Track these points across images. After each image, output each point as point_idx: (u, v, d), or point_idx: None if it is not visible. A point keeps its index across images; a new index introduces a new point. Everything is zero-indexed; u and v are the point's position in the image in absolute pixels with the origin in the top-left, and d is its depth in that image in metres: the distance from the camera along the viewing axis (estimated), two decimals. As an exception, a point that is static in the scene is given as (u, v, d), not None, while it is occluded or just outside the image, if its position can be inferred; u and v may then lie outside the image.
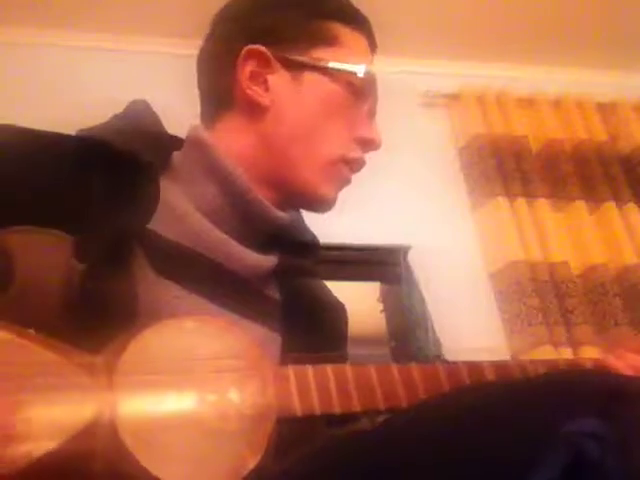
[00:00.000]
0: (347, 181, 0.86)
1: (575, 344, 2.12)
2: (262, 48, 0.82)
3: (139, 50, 2.36)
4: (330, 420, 0.75)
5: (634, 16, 2.47)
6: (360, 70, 0.83)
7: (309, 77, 0.82)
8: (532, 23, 2.49)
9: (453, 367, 0.67)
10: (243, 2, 0.89)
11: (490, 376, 0.68)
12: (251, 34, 0.83)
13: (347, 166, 0.84)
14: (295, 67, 0.82)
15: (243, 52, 0.82)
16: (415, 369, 0.66)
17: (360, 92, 0.84)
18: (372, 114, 0.86)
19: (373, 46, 0.89)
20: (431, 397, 0.65)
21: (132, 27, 2.35)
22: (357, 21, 0.87)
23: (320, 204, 0.85)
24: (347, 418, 0.73)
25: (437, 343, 2.00)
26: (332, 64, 0.82)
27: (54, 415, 0.53)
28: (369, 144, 0.85)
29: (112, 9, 2.29)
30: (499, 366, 0.69)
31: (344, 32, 0.85)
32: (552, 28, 2.51)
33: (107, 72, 2.29)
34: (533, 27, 2.51)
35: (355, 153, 0.84)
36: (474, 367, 0.68)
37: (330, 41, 0.83)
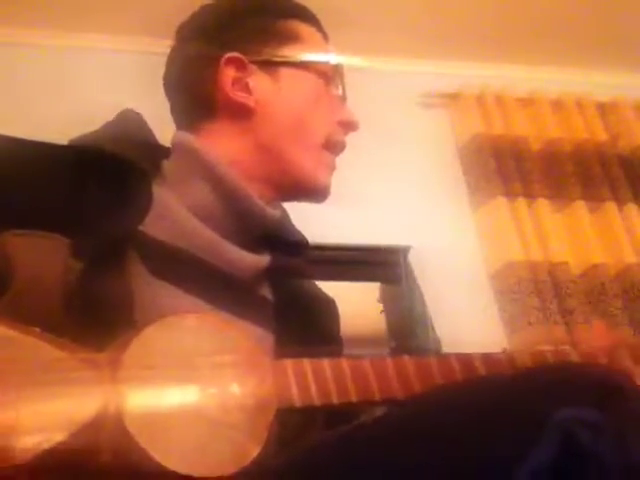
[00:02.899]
0: (334, 167, 0.90)
1: (575, 344, 2.12)
2: (238, 54, 0.86)
3: (138, 50, 2.36)
4: (328, 421, 0.76)
5: (634, 16, 2.47)
6: (330, 58, 0.90)
7: (285, 73, 0.87)
8: (532, 23, 2.49)
9: (444, 358, 0.69)
10: (204, 17, 0.93)
11: (480, 367, 0.69)
12: (223, 43, 0.87)
13: (331, 151, 0.89)
14: (270, 67, 0.87)
15: (222, 61, 0.85)
16: (408, 361, 0.68)
17: (331, 79, 0.90)
18: (344, 99, 0.92)
19: (325, 36, 0.95)
20: (426, 391, 0.66)
21: (131, 27, 2.35)
22: (309, 17, 0.93)
23: (319, 191, 0.88)
24: (345, 418, 0.74)
25: (437, 343, 2.00)
26: (304, 56, 0.88)
27: (61, 408, 0.55)
28: (349, 126, 0.91)
29: (112, 9, 2.29)
30: (489, 357, 0.71)
31: (302, 28, 0.91)
32: (552, 28, 2.51)
33: (106, 72, 2.30)
34: (533, 27, 2.51)
35: (339, 136, 0.90)
36: (465, 358, 0.70)
37: (293, 38, 0.89)
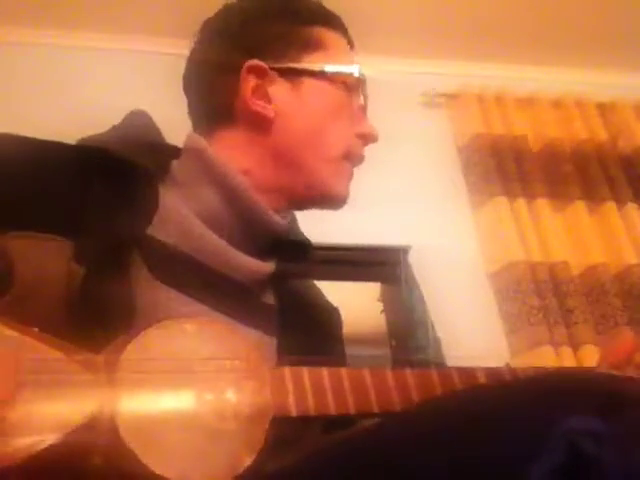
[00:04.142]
0: (352, 175, 0.89)
1: (575, 344, 2.12)
2: (260, 62, 0.84)
3: (139, 50, 2.36)
4: (326, 426, 0.76)
5: (634, 16, 2.47)
6: (354, 70, 0.87)
7: (307, 83, 0.85)
8: (532, 23, 2.49)
9: (446, 372, 0.68)
10: (229, 17, 0.90)
11: (482, 381, 0.69)
12: (244, 49, 0.85)
13: (350, 162, 0.88)
14: (292, 75, 0.85)
15: (244, 69, 0.83)
16: (409, 373, 0.67)
17: (354, 90, 0.88)
18: (365, 110, 0.90)
19: (351, 44, 0.92)
20: (427, 399, 0.66)
21: (132, 27, 2.35)
22: (335, 23, 0.90)
23: (337, 202, 0.88)
24: (343, 424, 0.74)
25: (437, 343, 2.00)
26: (327, 67, 0.85)
27: (56, 410, 0.55)
28: (368, 138, 0.89)
29: (113, 9, 2.29)
30: (491, 371, 0.70)
31: (327, 35, 0.88)
32: (552, 28, 2.51)
33: (107, 72, 2.29)
34: (533, 27, 2.51)
35: (358, 148, 0.88)
36: (466, 372, 0.69)
37: (317, 45, 0.87)
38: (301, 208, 0.89)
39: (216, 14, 0.91)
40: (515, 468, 0.51)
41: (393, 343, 2.12)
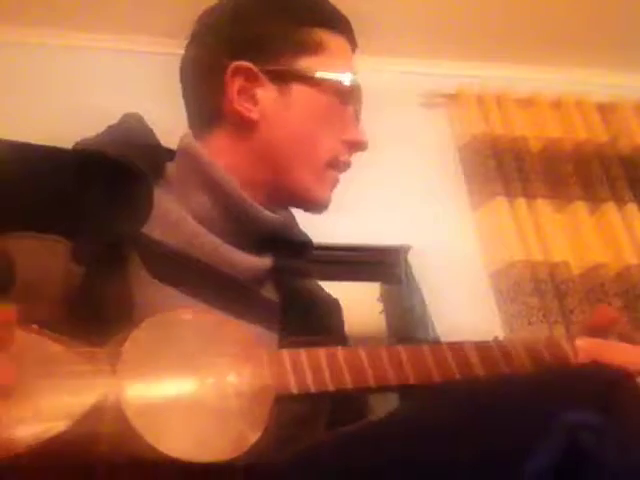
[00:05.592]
0: (337, 182, 0.88)
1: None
2: (249, 64, 0.83)
3: (138, 50, 2.37)
4: (331, 421, 0.76)
5: (634, 16, 2.47)
6: (346, 78, 0.85)
7: (296, 88, 0.84)
8: (532, 23, 2.49)
9: (437, 347, 0.70)
10: (224, 14, 0.89)
11: (472, 355, 0.70)
12: (236, 48, 0.84)
13: (335, 170, 0.87)
14: (282, 79, 0.84)
15: (230, 69, 0.83)
16: (402, 349, 0.69)
17: (346, 98, 0.86)
18: (358, 117, 0.89)
19: (354, 46, 0.90)
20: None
21: (132, 27, 2.36)
22: (338, 24, 0.88)
23: (317, 206, 0.87)
24: (348, 417, 0.74)
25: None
26: (319, 74, 0.84)
27: (62, 399, 0.56)
28: (357, 146, 0.88)
29: (113, 9, 2.29)
30: (481, 345, 0.71)
31: (328, 37, 0.86)
32: (552, 28, 2.51)
33: (107, 72, 2.30)
34: (533, 27, 2.51)
35: (344, 156, 0.87)
36: (456, 347, 0.70)
37: (315, 49, 0.85)
38: (284, 206, 0.90)
39: (211, 8, 0.90)
40: (515, 460, 0.52)
41: (393, 343, 2.12)
